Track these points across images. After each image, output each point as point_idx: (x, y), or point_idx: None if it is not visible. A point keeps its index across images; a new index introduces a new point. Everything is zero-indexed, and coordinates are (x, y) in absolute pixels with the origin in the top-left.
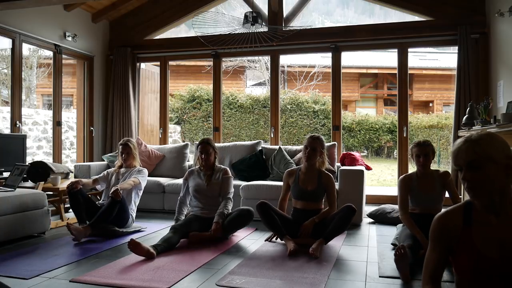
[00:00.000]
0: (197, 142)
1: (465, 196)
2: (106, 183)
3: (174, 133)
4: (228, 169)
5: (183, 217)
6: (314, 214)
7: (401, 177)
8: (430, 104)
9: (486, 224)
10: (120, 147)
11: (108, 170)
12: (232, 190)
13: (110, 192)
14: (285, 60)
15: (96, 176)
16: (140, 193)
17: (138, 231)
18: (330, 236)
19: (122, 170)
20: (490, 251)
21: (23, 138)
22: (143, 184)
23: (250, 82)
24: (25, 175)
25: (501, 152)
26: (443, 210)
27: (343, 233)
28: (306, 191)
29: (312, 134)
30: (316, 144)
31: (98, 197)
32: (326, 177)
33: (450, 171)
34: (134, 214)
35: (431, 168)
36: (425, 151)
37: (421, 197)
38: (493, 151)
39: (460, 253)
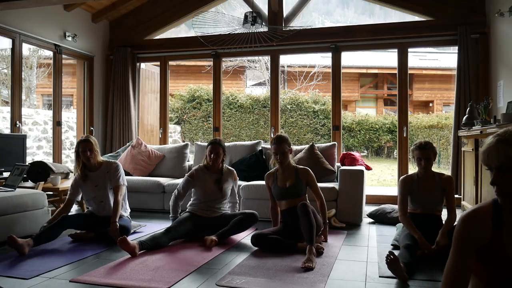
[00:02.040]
0: (208, 142)
1: (464, 197)
2: (81, 194)
3: (174, 133)
4: (234, 171)
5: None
6: None
7: (401, 177)
8: (430, 104)
9: None
10: (81, 144)
11: (74, 180)
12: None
13: (110, 233)
14: (285, 60)
15: (68, 196)
16: (125, 190)
17: (136, 231)
18: (311, 238)
19: (92, 174)
20: None
21: (23, 138)
22: (124, 181)
23: (250, 82)
24: (25, 175)
25: None
26: (469, 209)
27: (343, 233)
28: (285, 188)
29: (275, 138)
30: (283, 147)
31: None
32: (303, 171)
33: (450, 173)
34: (128, 214)
35: (434, 170)
36: (426, 155)
37: (421, 198)
38: None
39: (487, 258)
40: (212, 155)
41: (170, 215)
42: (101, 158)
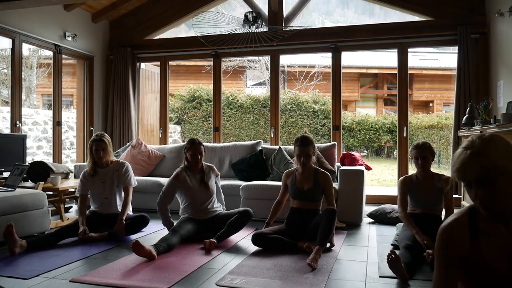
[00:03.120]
0: (186, 143)
1: (464, 197)
2: (90, 190)
3: (174, 133)
4: (214, 166)
5: (171, 219)
6: (310, 214)
7: (401, 178)
8: (430, 104)
9: (494, 234)
10: (94, 143)
11: (83, 175)
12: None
13: (115, 231)
14: (285, 60)
15: (80, 192)
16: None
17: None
18: (324, 240)
19: (101, 170)
20: (499, 263)
21: (23, 138)
22: (135, 181)
23: (250, 82)
24: (25, 175)
25: (510, 158)
26: (447, 221)
27: (343, 233)
28: (302, 190)
29: (300, 140)
30: (308, 150)
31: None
32: (323, 176)
33: (450, 173)
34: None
35: (433, 170)
36: (423, 154)
37: (420, 198)
38: (503, 160)
39: (470, 267)
40: (198, 156)
41: (163, 223)
42: (113, 157)
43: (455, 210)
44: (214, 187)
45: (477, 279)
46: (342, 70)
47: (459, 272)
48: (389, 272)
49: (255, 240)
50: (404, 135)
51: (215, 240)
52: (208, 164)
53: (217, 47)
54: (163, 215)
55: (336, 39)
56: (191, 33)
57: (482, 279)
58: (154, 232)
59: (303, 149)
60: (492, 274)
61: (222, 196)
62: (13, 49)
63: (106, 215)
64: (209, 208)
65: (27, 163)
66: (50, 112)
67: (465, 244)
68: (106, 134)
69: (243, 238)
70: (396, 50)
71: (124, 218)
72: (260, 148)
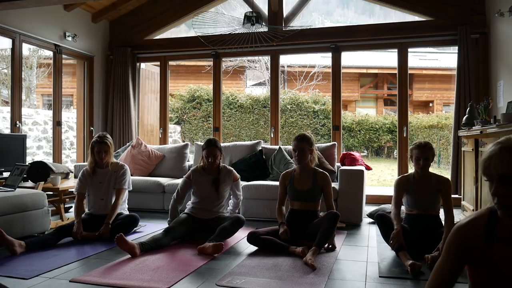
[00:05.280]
0: (203, 143)
1: (465, 197)
2: (88, 189)
3: (174, 133)
4: (233, 170)
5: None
6: (310, 214)
7: (397, 178)
8: (430, 104)
9: (511, 242)
10: (96, 145)
11: (82, 173)
12: (241, 192)
13: (102, 232)
14: (285, 60)
15: (78, 190)
16: (127, 193)
17: (136, 231)
18: (322, 242)
19: (100, 171)
20: (511, 271)
21: (23, 138)
22: (129, 186)
23: (250, 82)
24: (25, 175)
25: None
26: (464, 219)
27: (343, 233)
28: (301, 191)
29: (298, 135)
30: (303, 145)
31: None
32: (322, 176)
33: (450, 173)
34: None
35: (434, 171)
36: (425, 155)
37: (417, 198)
38: None
39: (478, 268)
40: (209, 159)
41: (168, 219)
42: (113, 159)
43: (457, 210)
44: (226, 192)
45: (487, 282)
46: (342, 70)
47: (462, 270)
48: (389, 272)
49: (249, 238)
50: (404, 135)
51: (222, 243)
52: (228, 167)
53: (217, 47)
54: (172, 216)
55: (336, 39)
56: (191, 33)
57: (491, 283)
58: (153, 232)
59: (297, 144)
60: (503, 281)
61: (238, 200)
62: (13, 49)
63: (100, 216)
64: (214, 211)
65: (27, 163)
66: (50, 112)
67: (477, 247)
68: (108, 136)
69: (243, 238)
70: (396, 50)
71: (110, 222)
72: (260, 148)
